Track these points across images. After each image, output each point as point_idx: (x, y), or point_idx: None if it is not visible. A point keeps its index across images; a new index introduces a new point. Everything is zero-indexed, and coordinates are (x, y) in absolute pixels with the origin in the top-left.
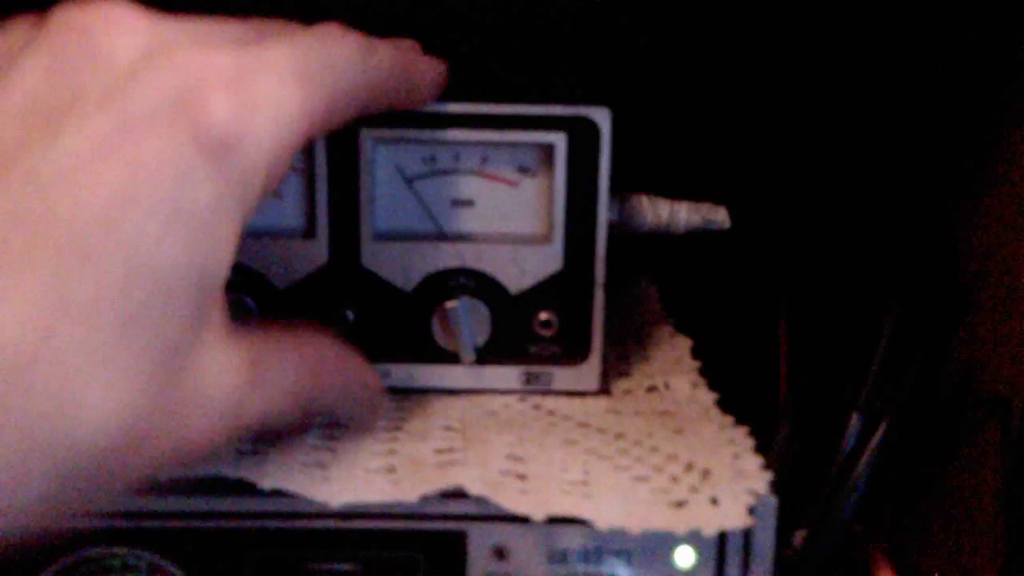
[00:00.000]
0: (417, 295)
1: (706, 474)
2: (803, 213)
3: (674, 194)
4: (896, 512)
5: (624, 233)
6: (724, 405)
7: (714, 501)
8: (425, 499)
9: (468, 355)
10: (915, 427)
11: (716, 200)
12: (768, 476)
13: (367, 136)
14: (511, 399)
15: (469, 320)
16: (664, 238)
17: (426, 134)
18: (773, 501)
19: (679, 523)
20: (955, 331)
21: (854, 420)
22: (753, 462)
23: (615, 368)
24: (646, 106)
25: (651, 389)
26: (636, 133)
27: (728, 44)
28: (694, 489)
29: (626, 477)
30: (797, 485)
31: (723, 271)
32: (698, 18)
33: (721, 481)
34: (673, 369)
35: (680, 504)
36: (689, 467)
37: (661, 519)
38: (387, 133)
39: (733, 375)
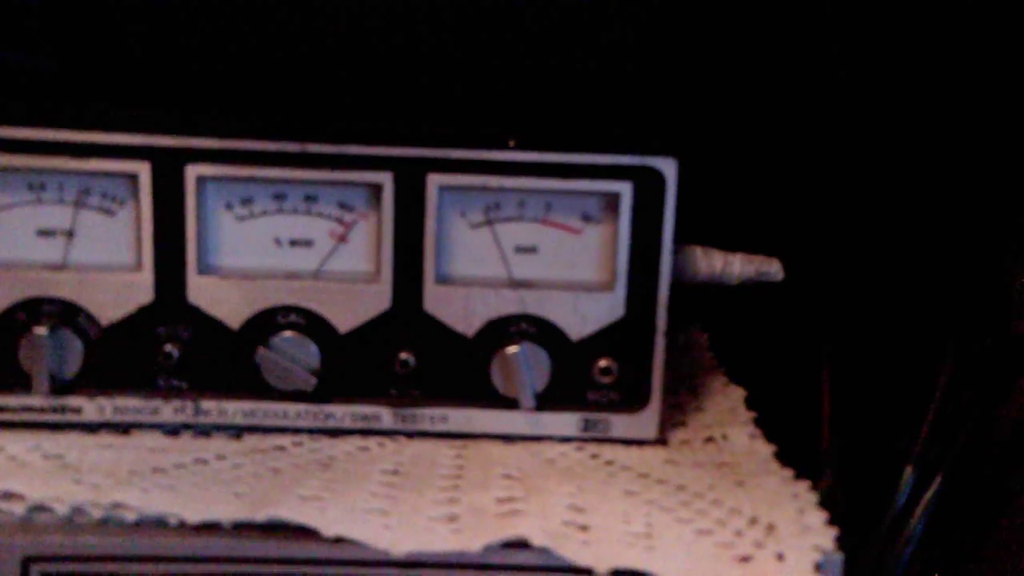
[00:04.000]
0: (478, 340)
1: (771, 529)
2: (853, 263)
3: (714, 242)
4: (947, 567)
5: (677, 283)
6: (781, 457)
7: (780, 557)
8: (488, 549)
9: (528, 401)
10: (967, 481)
11: (760, 249)
12: (834, 532)
13: (433, 182)
14: (568, 448)
15: (529, 366)
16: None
17: (492, 181)
18: (839, 558)
19: None
20: (1011, 385)
21: (908, 473)
22: (818, 517)
23: (670, 417)
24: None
25: (708, 440)
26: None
27: (776, 101)
28: (759, 544)
29: (689, 530)
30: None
31: (770, 319)
32: (754, 75)
33: (787, 536)
34: (729, 420)
35: (745, 559)
36: (753, 521)
37: (727, 574)
38: (453, 180)
39: (779, 423)
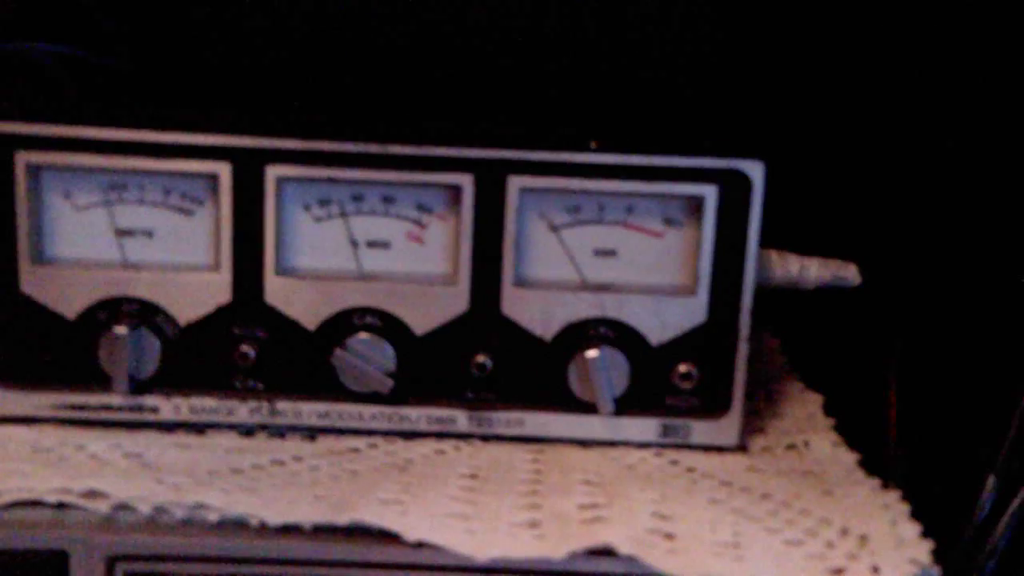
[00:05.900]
0: (556, 344)
1: (863, 540)
2: (931, 267)
3: (785, 244)
4: None
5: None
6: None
7: (875, 570)
8: (572, 556)
9: (606, 406)
10: None
11: (834, 253)
12: (930, 545)
13: (514, 184)
14: (646, 453)
15: (608, 371)
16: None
17: (573, 183)
18: (936, 572)
19: None
20: None
21: (990, 483)
22: (912, 529)
23: (749, 424)
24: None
25: (790, 447)
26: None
27: (855, 101)
28: (852, 556)
29: (778, 540)
30: None
31: (841, 324)
32: (831, 77)
33: (881, 548)
34: (809, 426)
35: (838, 571)
36: (844, 532)
37: None
38: (534, 182)
39: (850, 430)
